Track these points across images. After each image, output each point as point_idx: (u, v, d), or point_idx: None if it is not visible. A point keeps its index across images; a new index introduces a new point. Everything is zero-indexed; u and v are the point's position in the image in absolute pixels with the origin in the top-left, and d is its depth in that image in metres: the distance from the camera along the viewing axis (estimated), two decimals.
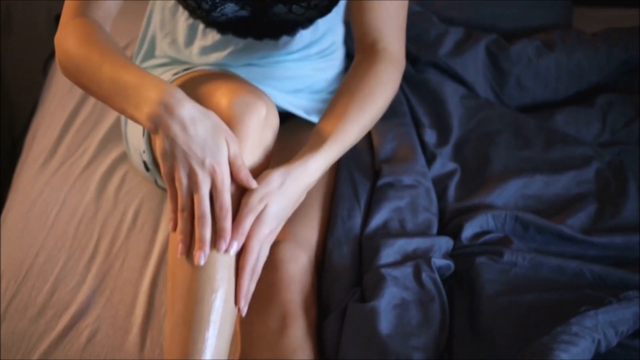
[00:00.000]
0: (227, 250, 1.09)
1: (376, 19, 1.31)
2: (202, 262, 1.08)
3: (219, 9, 1.31)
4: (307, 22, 1.38)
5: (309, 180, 1.17)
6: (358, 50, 1.34)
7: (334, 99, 1.27)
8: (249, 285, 1.11)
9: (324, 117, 1.24)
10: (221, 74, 1.23)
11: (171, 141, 1.08)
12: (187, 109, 1.08)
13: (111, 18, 1.25)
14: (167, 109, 1.08)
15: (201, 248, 1.08)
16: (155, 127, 1.09)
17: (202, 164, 1.08)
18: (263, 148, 1.17)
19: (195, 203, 1.09)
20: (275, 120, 1.19)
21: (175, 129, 1.08)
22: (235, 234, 1.10)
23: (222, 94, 1.17)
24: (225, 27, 1.38)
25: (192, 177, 1.08)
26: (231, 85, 1.18)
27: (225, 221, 1.09)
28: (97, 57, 1.15)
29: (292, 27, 1.39)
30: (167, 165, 1.10)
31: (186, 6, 1.34)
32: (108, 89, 1.13)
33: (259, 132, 1.16)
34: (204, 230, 1.08)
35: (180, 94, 1.09)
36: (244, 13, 1.33)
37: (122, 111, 1.14)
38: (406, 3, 1.33)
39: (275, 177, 1.14)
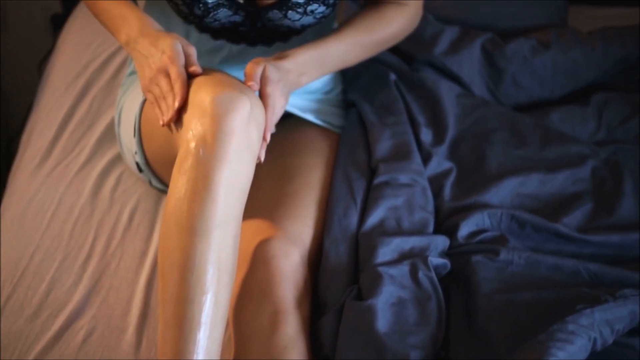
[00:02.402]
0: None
1: None
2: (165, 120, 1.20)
3: (211, 15, 1.31)
4: (300, 28, 1.38)
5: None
6: None
7: None
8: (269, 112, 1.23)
9: None
10: (206, 70, 1.23)
11: (131, 50, 1.28)
12: (147, 23, 1.27)
13: None
14: (139, 33, 1.27)
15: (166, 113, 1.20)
16: (129, 49, 1.29)
17: (159, 59, 1.22)
18: (248, 144, 1.14)
19: (162, 87, 1.22)
20: (260, 116, 1.17)
21: (140, 44, 1.26)
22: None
23: (205, 92, 1.15)
24: (219, 32, 1.38)
25: (153, 67, 1.23)
26: (215, 81, 1.17)
27: (176, 84, 1.19)
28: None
29: (285, 33, 1.39)
30: (142, 81, 1.25)
31: (179, 12, 1.34)
32: (109, 24, 1.35)
33: (244, 128, 1.13)
34: (168, 101, 1.20)
35: (147, 18, 1.29)
36: (237, 18, 1.33)
37: (115, 36, 1.33)
38: None
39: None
